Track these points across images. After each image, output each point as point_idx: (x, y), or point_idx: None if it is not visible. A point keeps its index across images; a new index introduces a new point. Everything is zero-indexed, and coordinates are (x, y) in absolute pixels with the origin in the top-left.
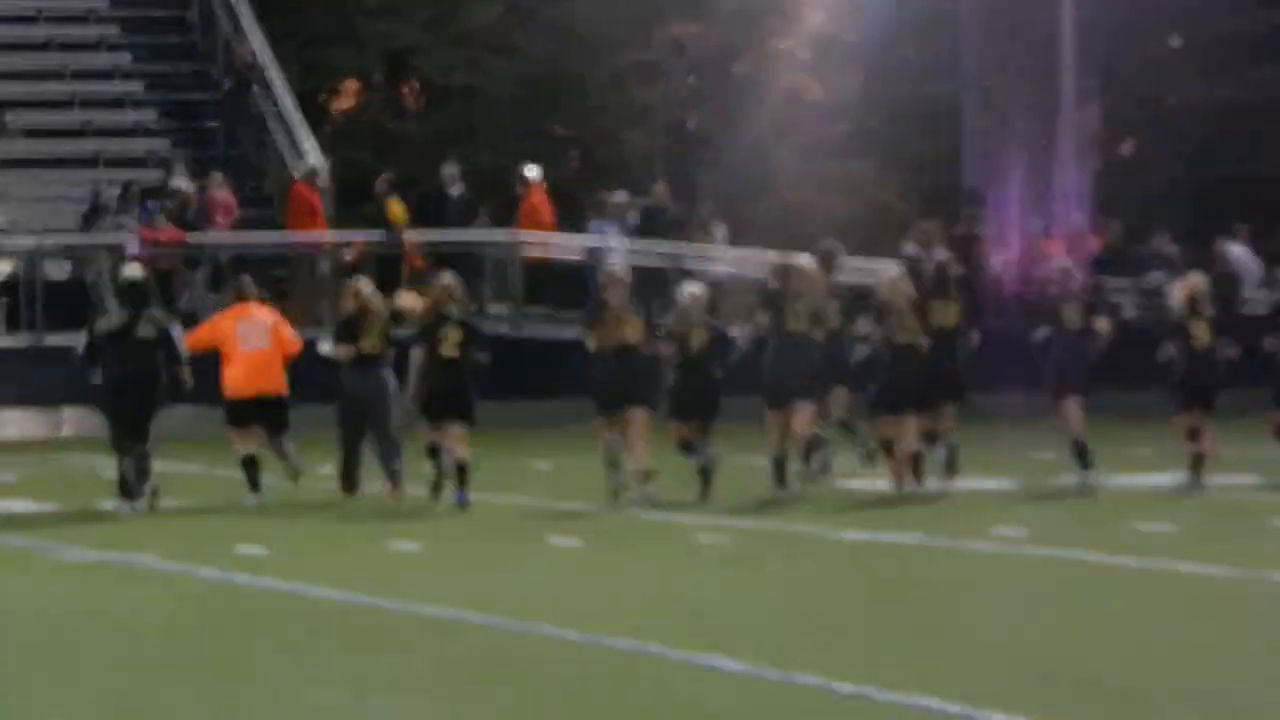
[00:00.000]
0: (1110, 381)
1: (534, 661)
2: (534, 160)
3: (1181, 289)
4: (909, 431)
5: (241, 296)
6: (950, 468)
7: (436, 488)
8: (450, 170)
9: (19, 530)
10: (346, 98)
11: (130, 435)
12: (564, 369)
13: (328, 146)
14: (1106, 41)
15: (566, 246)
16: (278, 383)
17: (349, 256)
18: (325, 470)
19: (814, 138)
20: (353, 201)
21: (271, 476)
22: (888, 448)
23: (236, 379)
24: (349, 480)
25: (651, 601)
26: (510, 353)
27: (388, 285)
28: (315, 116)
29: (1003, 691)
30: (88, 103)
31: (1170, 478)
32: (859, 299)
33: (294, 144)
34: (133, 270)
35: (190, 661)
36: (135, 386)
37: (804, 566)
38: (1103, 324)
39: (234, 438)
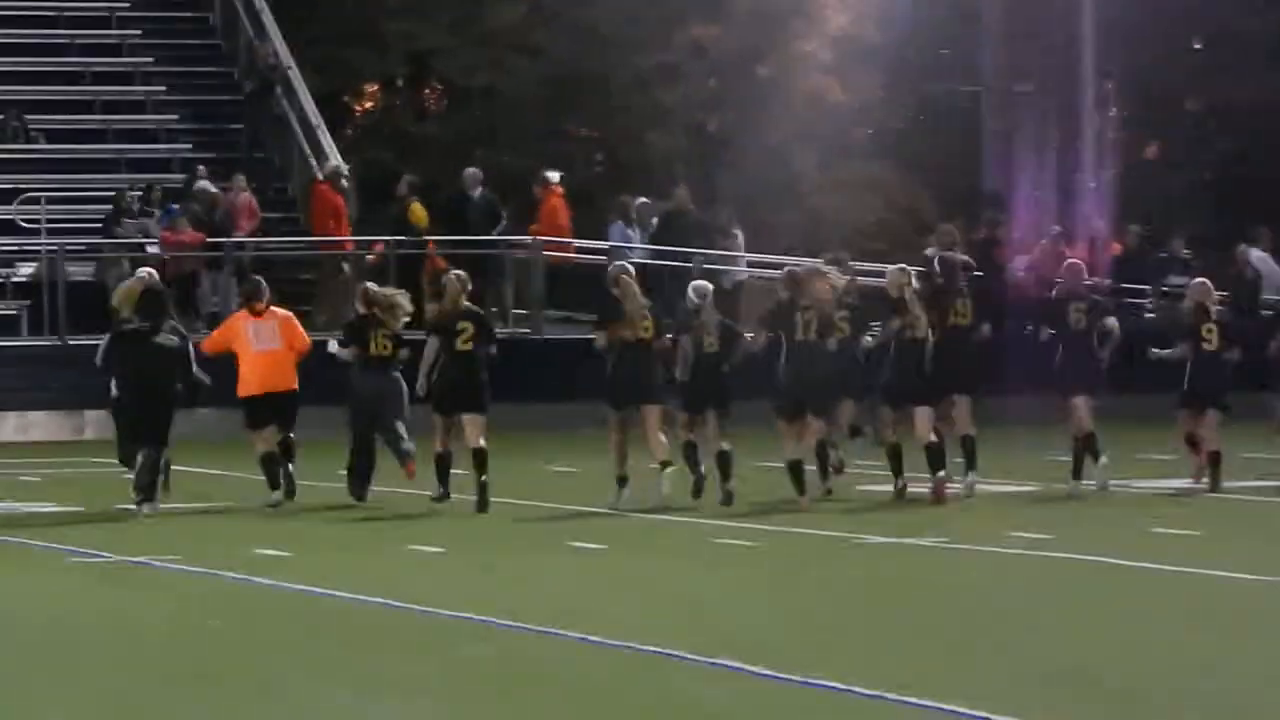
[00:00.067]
0: (1128, 385)
1: (548, 665)
2: (555, 162)
3: (1192, 292)
4: (923, 424)
5: (253, 296)
6: (970, 462)
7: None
8: (472, 172)
9: (40, 531)
10: (368, 99)
11: (145, 442)
12: (583, 372)
13: (350, 148)
14: (1127, 44)
15: (586, 249)
16: (289, 380)
17: (371, 258)
18: (343, 471)
19: (835, 140)
20: (375, 203)
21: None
22: (894, 453)
23: (249, 378)
24: (359, 484)
25: (668, 606)
26: (530, 355)
27: (408, 288)
28: (337, 118)
29: (1003, 691)
30: (109, 105)
31: (1189, 482)
32: (873, 303)
33: (316, 146)
34: (149, 277)
35: (195, 663)
36: (153, 392)
37: (824, 570)
38: (1111, 324)
39: (253, 438)
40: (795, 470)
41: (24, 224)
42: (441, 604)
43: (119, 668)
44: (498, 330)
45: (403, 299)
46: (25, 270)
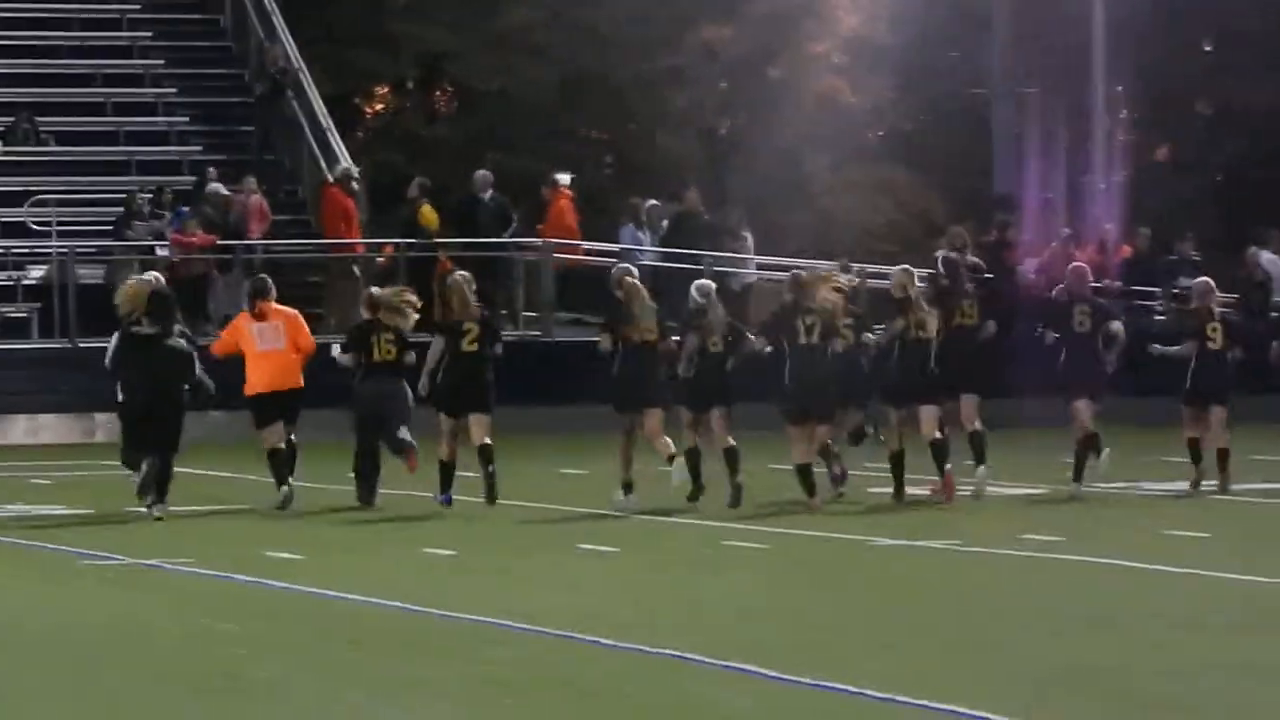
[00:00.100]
0: (1136, 389)
1: (563, 668)
2: (566, 164)
3: (1196, 291)
4: (929, 422)
5: (259, 296)
6: (978, 457)
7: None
8: (483, 175)
9: (51, 534)
10: (379, 102)
11: (155, 446)
12: (592, 374)
13: (360, 151)
14: (1138, 46)
15: (596, 251)
16: (294, 379)
17: (381, 261)
18: (352, 475)
19: (846, 142)
20: (385, 206)
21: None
22: (896, 460)
23: (255, 378)
24: (367, 491)
25: (681, 608)
26: (540, 358)
27: (418, 291)
28: (348, 121)
29: (1003, 691)
30: (120, 107)
31: (1187, 487)
32: (879, 305)
33: (327, 148)
34: (157, 281)
35: (207, 666)
36: (165, 396)
37: (836, 573)
38: (1116, 328)
39: (261, 436)
40: (804, 473)
41: (34, 226)
42: (454, 607)
43: (131, 671)
44: (507, 333)
45: (409, 294)
46: (36, 273)
